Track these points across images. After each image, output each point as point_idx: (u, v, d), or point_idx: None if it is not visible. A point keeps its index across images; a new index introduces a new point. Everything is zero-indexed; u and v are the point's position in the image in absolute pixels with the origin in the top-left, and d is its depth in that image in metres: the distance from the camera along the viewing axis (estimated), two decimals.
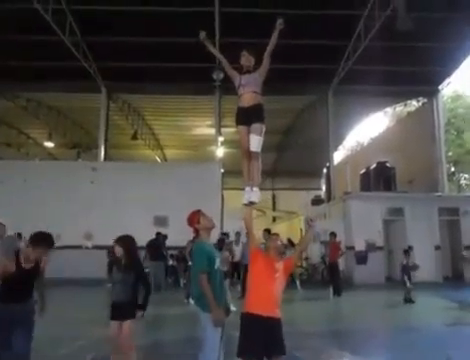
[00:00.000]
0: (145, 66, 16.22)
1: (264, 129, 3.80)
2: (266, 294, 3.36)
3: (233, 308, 5.92)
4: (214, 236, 10.55)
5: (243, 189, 3.81)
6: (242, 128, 3.83)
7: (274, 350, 3.28)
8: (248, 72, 3.90)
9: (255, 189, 3.74)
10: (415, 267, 10.70)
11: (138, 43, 14.82)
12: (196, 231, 3.82)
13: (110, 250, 13.47)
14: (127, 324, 4.16)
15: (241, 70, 3.95)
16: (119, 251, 4.28)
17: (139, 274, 4.34)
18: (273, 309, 3.36)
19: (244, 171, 3.87)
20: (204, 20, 12.95)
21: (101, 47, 15.09)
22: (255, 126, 3.74)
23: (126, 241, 4.35)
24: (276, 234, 4.19)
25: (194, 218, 3.83)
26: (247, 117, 3.79)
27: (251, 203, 3.72)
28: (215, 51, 4.08)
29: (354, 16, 13.96)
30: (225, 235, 11.65)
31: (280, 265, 3.51)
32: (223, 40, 13.32)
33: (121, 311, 4.17)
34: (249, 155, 3.80)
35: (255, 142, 3.72)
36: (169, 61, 15.54)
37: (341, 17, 13.87)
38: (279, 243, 3.70)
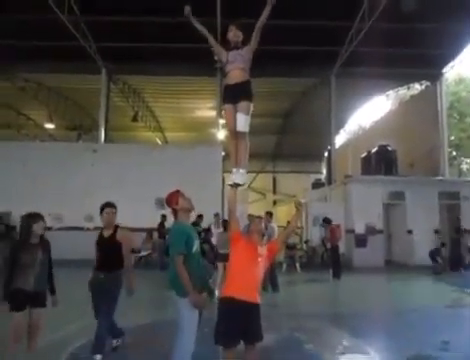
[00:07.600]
0: (146, 47, 15.94)
1: (252, 107, 3.56)
2: (247, 279, 3.26)
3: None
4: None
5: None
6: (228, 107, 3.58)
7: (252, 336, 3.22)
8: (236, 48, 3.64)
9: (242, 171, 3.56)
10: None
11: (139, 23, 14.53)
12: (174, 212, 3.73)
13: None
14: (41, 312, 3.88)
15: (229, 46, 3.69)
16: (41, 227, 3.87)
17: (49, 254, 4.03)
18: (253, 294, 3.26)
19: (231, 152, 3.67)
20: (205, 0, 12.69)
21: (101, 27, 14.75)
22: (242, 104, 3.49)
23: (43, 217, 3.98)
24: (259, 217, 4.18)
25: (173, 199, 3.73)
26: (233, 95, 3.54)
27: (236, 184, 3.54)
28: (200, 27, 3.76)
29: None
30: (200, 217, 10.84)
31: (263, 250, 3.42)
32: (224, 21, 13.10)
33: (39, 299, 3.85)
34: (236, 136, 3.58)
35: (242, 121, 3.48)
36: (170, 42, 15.26)
37: None
38: (262, 226, 3.63)
